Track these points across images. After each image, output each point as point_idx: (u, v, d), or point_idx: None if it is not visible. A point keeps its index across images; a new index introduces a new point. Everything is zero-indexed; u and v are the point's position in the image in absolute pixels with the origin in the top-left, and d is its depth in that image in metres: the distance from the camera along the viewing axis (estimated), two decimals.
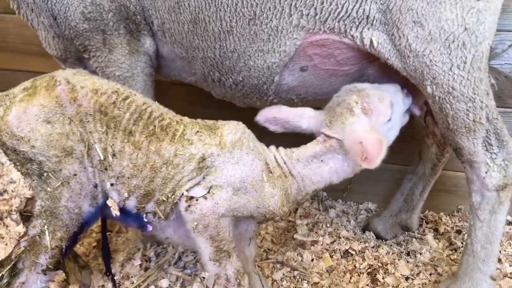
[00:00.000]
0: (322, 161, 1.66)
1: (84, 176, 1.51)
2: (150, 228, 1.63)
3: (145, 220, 1.60)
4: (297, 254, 2.38)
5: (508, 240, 2.46)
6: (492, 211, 1.85)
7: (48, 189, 1.49)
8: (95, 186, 1.54)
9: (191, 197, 1.52)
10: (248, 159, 1.59)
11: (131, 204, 1.57)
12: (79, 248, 2.40)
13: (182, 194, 1.53)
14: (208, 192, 1.52)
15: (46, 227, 1.52)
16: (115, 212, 1.57)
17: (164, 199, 1.55)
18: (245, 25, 1.83)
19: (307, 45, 1.84)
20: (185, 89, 2.55)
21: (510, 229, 2.57)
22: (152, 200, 1.56)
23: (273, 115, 1.74)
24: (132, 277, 2.22)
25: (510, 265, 2.27)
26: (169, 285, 2.19)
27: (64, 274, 1.85)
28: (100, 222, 1.81)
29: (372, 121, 1.63)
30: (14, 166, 1.54)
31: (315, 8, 1.73)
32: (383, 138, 1.50)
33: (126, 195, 1.55)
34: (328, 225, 2.64)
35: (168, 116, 1.61)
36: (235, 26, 1.84)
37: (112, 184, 1.55)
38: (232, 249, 1.61)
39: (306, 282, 2.19)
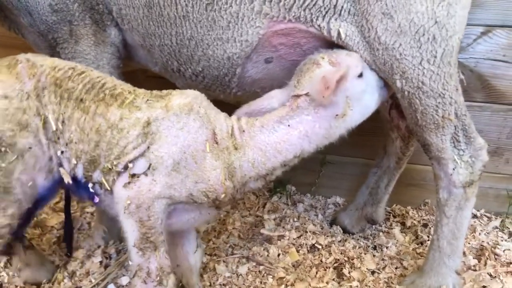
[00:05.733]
0: (289, 126, 1.57)
1: (39, 149, 1.56)
2: (97, 199, 1.61)
3: (92, 190, 1.58)
4: (264, 249, 2.35)
5: (472, 233, 2.49)
6: (459, 207, 1.85)
7: (3, 164, 1.50)
8: (50, 159, 1.59)
9: (134, 174, 1.48)
10: (194, 125, 1.52)
11: (79, 172, 1.58)
12: (38, 245, 2.31)
13: (126, 167, 1.49)
14: (149, 168, 1.48)
15: None
16: (67, 179, 1.60)
17: (110, 167, 1.52)
18: (202, 11, 1.74)
19: (272, 35, 1.76)
20: (162, 81, 2.45)
21: (475, 222, 2.60)
22: (98, 168, 1.54)
23: (244, 112, 1.69)
24: (91, 274, 2.15)
25: (473, 258, 2.29)
26: (129, 282, 2.10)
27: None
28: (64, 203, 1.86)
29: None
30: None
31: None
32: (345, 68, 1.52)
33: (74, 161, 1.57)
34: (295, 219, 2.62)
35: (121, 87, 1.61)
36: (191, 11, 1.76)
37: (62, 152, 1.58)
38: (160, 242, 1.54)
39: (272, 277, 2.16)
